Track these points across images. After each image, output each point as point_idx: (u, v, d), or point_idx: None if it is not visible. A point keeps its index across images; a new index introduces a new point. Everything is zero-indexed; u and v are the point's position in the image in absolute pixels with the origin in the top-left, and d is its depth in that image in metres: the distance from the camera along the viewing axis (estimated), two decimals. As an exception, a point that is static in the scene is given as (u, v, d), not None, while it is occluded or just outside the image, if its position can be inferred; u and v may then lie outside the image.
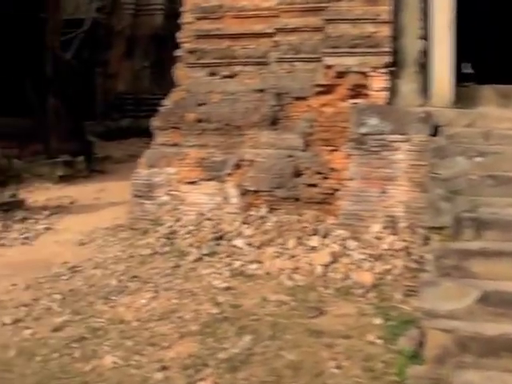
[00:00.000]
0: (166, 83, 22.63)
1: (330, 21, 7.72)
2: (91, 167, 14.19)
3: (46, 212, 9.89)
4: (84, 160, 13.91)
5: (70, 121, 14.87)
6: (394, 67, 7.64)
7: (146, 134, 21.70)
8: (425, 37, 7.73)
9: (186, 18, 9.95)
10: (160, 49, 22.55)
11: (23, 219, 9.44)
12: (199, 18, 8.80)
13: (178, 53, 10.03)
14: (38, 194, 11.51)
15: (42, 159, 13.70)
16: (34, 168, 12.92)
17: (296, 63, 8.21)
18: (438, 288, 4.88)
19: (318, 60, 8.08)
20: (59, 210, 10.26)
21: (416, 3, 7.67)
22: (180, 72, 9.66)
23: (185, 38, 9.94)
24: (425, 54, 7.72)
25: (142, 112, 22.25)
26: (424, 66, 7.74)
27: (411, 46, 7.70)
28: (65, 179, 12.86)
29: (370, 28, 7.62)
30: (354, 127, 7.46)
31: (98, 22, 21.65)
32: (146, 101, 22.39)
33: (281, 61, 8.25)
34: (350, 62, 7.66)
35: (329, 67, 7.74)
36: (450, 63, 7.69)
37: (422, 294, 5.01)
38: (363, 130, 7.42)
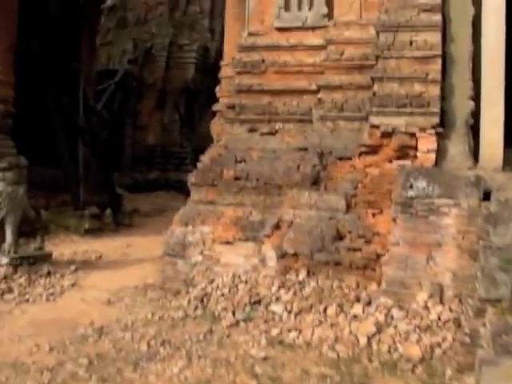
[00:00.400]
0: (195, 137, 22.83)
1: (377, 79, 7.44)
2: (119, 220, 13.92)
3: (73, 267, 9.55)
4: (111, 213, 13.66)
5: (100, 172, 14.69)
6: (442, 128, 7.29)
7: (174, 188, 21.91)
8: (474, 97, 7.40)
9: (225, 72, 9.81)
10: (190, 102, 22.60)
11: (48, 273, 9.09)
12: (240, 73, 8.58)
13: (215, 107, 9.85)
14: (64, 247, 11.22)
15: (69, 210, 13.46)
16: (61, 219, 12.67)
17: (340, 121, 7.94)
18: (499, 367, 4.47)
19: (362, 119, 7.81)
20: (86, 264, 9.93)
21: (465, 63, 7.37)
22: (217, 127, 9.47)
23: (223, 92, 9.77)
24: (474, 115, 7.37)
25: (170, 165, 22.16)
26: (473, 128, 7.39)
27: (460, 106, 7.37)
28: (92, 232, 12.59)
29: (418, 87, 7.32)
30: (401, 190, 7.09)
31: (129, 74, 21.73)
32: (175, 154, 22.34)
33: (324, 119, 7.98)
34: (397, 121, 7.34)
35: (375, 127, 7.43)
36: (500, 125, 7.34)
37: (481, 373, 4.58)
38: (410, 193, 7.04)
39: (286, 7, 8.50)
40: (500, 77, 7.32)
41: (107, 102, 20.31)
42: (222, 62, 10.39)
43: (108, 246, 11.49)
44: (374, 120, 7.43)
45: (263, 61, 8.49)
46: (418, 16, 7.40)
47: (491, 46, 7.33)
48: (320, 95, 8.07)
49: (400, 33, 7.44)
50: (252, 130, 8.44)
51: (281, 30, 8.55)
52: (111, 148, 17.74)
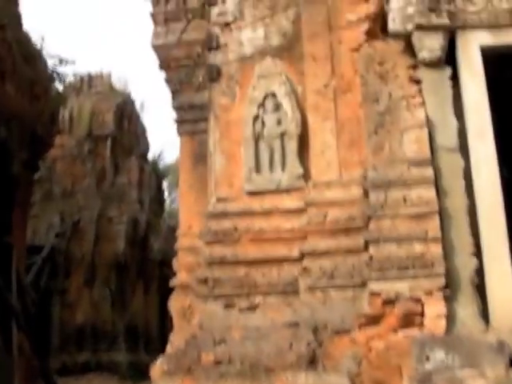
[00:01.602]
0: (127, 314, 21.42)
1: (372, 241, 6.77)
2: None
3: None
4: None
5: (34, 358, 13.07)
6: (448, 289, 6.59)
7: (107, 369, 20.12)
8: (476, 253, 6.81)
9: (183, 242, 9.06)
10: (121, 277, 21.53)
11: None
12: (210, 243, 7.75)
13: (173, 282, 8.97)
14: None
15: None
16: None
17: (331, 291, 7.12)
18: None
19: (355, 286, 7.04)
20: None
21: (463, 218, 6.83)
22: (178, 304, 8.54)
23: (181, 265, 8.95)
24: (479, 272, 6.74)
25: (101, 345, 20.69)
26: (480, 287, 6.73)
27: (463, 264, 6.73)
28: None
29: (418, 247, 6.68)
30: (416, 364, 6.22)
31: (56, 249, 20.52)
32: (106, 333, 20.94)
33: (313, 289, 7.15)
34: (399, 286, 6.60)
35: (375, 294, 6.65)
36: (509, 282, 6.71)
37: None
38: (428, 366, 6.18)
39: (257, 169, 7.90)
40: (502, 229, 6.80)
41: (33, 280, 18.86)
42: (178, 232, 9.59)
43: None
44: (375, 287, 6.66)
45: (236, 228, 7.72)
46: (409, 171, 6.92)
47: (487, 199, 6.87)
48: (305, 263, 7.29)
49: (392, 190, 6.89)
50: (229, 306, 7.48)
51: (253, 194, 7.87)
52: (40, 329, 16.16)
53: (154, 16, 9.85)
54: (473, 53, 7.20)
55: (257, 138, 8.00)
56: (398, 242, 6.74)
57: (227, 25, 8.45)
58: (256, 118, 8.04)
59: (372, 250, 6.79)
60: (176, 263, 9.38)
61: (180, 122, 9.92)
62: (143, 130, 25.82)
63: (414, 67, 7.46)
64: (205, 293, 7.58)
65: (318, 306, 7.07)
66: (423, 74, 7.33)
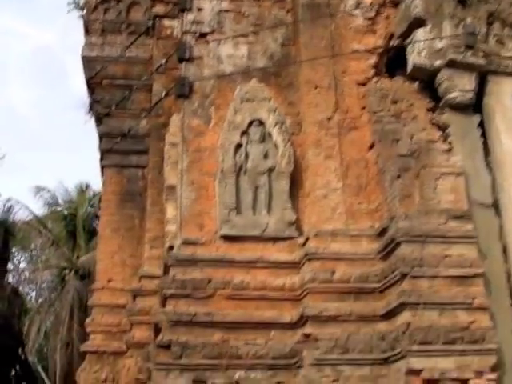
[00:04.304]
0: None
1: (409, 306, 5.34)
2: None
3: None
4: None
5: None
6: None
7: None
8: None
9: (99, 298, 7.29)
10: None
11: None
12: (174, 296, 5.85)
13: (85, 347, 6.92)
14: None
15: None
16: None
17: (344, 367, 5.49)
18: None
19: (374, 363, 5.51)
20: None
21: (503, 284, 5.81)
22: (90, 376, 6.49)
23: (97, 326, 6.97)
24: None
25: None
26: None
27: (507, 341, 5.53)
28: None
29: (463, 316, 5.39)
30: None
31: None
32: None
33: (321, 364, 5.47)
34: (445, 364, 5.19)
35: (413, 372, 5.16)
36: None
37: None
38: None
39: (238, 209, 6.24)
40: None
41: None
42: (94, 286, 7.52)
43: None
44: (415, 363, 5.18)
45: (209, 281, 5.90)
46: (447, 224, 5.69)
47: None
48: (309, 330, 5.63)
49: (429, 244, 5.60)
50: (198, 382, 5.54)
51: (230, 239, 6.15)
52: None
53: (88, 23, 8.06)
54: (508, 101, 6.35)
55: (237, 172, 6.40)
56: (440, 308, 5.38)
57: (203, 35, 6.93)
58: (238, 147, 6.47)
59: (408, 315, 5.34)
60: (89, 324, 7.28)
61: (106, 151, 8.01)
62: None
63: (433, 109, 6.47)
64: (167, 363, 5.58)
65: (327, 389, 5.40)
66: (450, 117, 6.33)
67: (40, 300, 20.85)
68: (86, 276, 17.44)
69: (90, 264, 17.47)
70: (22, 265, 23.29)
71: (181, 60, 6.83)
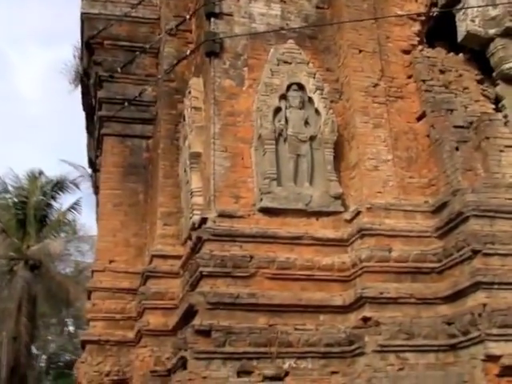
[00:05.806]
0: None
1: (483, 286, 4.83)
2: None
3: None
4: None
5: None
6: None
7: None
8: None
9: (100, 280, 6.53)
10: None
11: None
12: (212, 275, 5.14)
13: (84, 335, 6.20)
14: None
15: None
16: None
17: (408, 354, 4.93)
18: None
19: (439, 350, 4.97)
20: None
21: None
22: (91, 369, 5.85)
23: (98, 310, 6.28)
24: None
25: None
26: None
27: None
28: None
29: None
30: None
31: None
32: None
33: (385, 351, 4.88)
34: (528, 350, 4.70)
35: (491, 358, 4.64)
36: None
37: None
38: None
39: (278, 180, 5.58)
40: None
41: None
42: (94, 267, 6.75)
43: None
44: (494, 348, 4.65)
45: (251, 258, 5.22)
46: (514, 200, 5.21)
47: None
48: (368, 313, 5.03)
49: (498, 220, 5.10)
50: (244, 373, 4.86)
51: (270, 212, 5.49)
52: None
53: (88, -24, 7.24)
54: None
55: (277, 139, 5.75)
56: (509, 285, 4.89)
57: (233, -10, 6.25)
58: (277, 111, 5.82)
59: (482, 296, 4.82)
60: (90, 310, 6.48)
61: (107, 119, 7.19)
62: None
63: (481, 81, 6.02)
64: (207, 351, 4.86)
65: (394, 377, 4.80)
66: (505, 89, 5.89)
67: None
68: (36, 267, 16.40)
69: (40, 254, 16.43)
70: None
71: (208, 16, 6.12)
